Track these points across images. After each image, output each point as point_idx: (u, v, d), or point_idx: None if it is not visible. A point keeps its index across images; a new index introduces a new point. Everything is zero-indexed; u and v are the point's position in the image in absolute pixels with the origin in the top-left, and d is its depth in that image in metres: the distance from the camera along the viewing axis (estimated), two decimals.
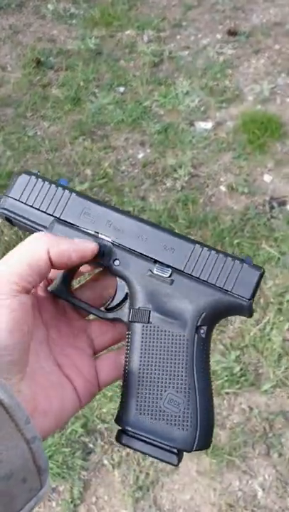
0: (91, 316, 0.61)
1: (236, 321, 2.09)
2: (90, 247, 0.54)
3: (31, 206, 0.57)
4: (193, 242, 0.56)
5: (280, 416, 1.87)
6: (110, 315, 0.57)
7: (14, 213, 0.57)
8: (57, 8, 3.66)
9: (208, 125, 2.84)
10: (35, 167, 2.67)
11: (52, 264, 0.51)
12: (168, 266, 0.55)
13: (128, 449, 1.81)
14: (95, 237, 0.56)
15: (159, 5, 3.66)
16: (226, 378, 1.93)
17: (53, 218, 0.57)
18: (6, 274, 0.48)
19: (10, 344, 0.46)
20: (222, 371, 1.94)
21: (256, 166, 2.64)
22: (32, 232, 0.56)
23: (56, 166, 2.68)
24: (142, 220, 0.57)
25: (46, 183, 0.59)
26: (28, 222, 0.57)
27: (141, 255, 0.55)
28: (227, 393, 1.91)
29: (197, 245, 0.55)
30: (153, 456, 0.53)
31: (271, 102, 2.95)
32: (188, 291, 0.54)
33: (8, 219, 0.59)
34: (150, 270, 0.55)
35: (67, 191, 0.58)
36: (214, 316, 0.55)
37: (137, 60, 3.26)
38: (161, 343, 0.53)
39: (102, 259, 0.55)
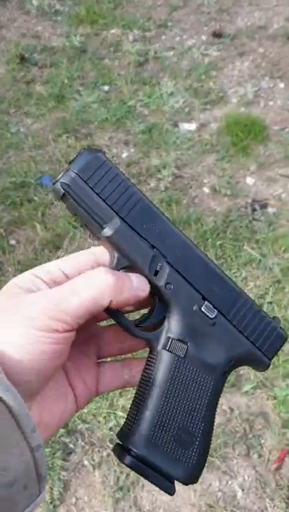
0: (102, 322, 0.59)
1: None
2: (146, 290, 0.51)
3: (98, 194, 0.50)
4: (239, 290, 0.56)
5: (260, 417, 1.89)
6: (145, 335, 0.54)
7: (76, 194, 0.50)
8: (42, 4, 3.63)
9: (192, 126, 2.85)
10: (18, 164, 2.64)
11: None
12: (215, 307, 0.54)
13: (108, 450, 1.81)
14: (155, 251, 0.52)
15: (145, 4, 3.66)
16: None
17: (118, 217, 0.50)
18: (63, 309, 0.46)
19: (41, 373, 0.45)
20: None
21: (239, 168, 2.66)
22: (87, 223, 0.51)
23: (39, 163, 2.66)
24: (200, 253, 0.55)
25: (119, 174, 0.51)
26: (90, 211, 0.50)
27: (194, 288, 0.54)
28: None
29: (242, 293, 0.56)
30: (154, 483, 0.53)
31: (255, 104, 2.98)
32: (225, 338, 0.54)
33: (64, 197, 0.50)
34: (198, 306, 0.54)
35: (138, 192, 0.52)
36: (239, 364, 0.56)
37: (121, 59, 3.26)
38: (188, 379, 0.53)
39: (156, 278, 0.52)
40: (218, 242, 2.33)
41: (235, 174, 2.64)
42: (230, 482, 1.78)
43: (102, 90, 3.06)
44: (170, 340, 0.53)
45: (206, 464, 1.83)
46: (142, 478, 1.73)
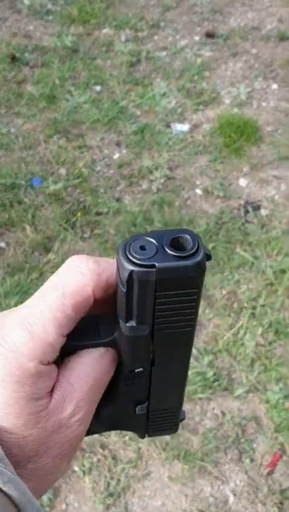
0: None
1: (210, 325, 2.08)
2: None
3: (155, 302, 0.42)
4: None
5: (252, 421, 1.87)
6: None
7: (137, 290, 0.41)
8: (33, 3, 3.59)
9: (185, 127, 2.83)
10: (8, 165, 2.61)
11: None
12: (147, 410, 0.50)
13: (99, 455, 1.78)
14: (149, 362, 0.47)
15: (137, 4, 3.64)
16: (199, 383, 1.92)
17: (149, 328, 0.42)
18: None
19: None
20: (195, 376, 1.93)
21: (232, 169, 2.65)
22: (122, 309, 0.42)
23: (30, 164, 2.63)
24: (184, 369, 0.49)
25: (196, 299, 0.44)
26: (132, 306, 0.42)
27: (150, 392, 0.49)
28: (200, 398, 1.91)
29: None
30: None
31: (248, 105, 2.96)
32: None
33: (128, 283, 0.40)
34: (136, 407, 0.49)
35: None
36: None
37: (114, 59, 3.23)
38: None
39: (128, 375, 0.47)
40: (211, 245, 2.31)
41: (228, 176, 2.62)
42: (222, 487, 1.76)
43: (94, 90, 3.03)
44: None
45: (198, 469, 1.81)
46: (132, 484, 1.71)
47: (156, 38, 3.39)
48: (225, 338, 2.04)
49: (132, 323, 0.40)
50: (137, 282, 0.36)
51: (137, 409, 0.46)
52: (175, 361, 0.44)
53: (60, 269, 0.40)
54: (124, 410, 0.47)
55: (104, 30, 3.43)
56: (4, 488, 0.32)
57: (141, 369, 0.43)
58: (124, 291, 0.37)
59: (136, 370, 0.43)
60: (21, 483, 0.34)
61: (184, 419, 0.50)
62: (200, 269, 0.37)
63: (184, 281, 0.37)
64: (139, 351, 0.42)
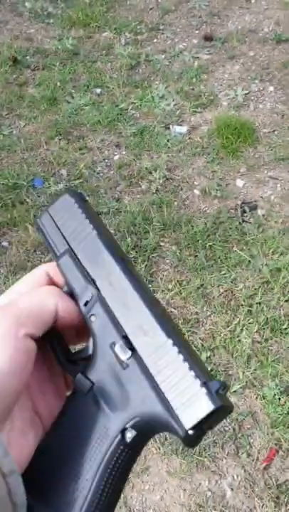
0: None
1: (207, 322, 2.12)
2: (72, 313, 0.50)
3: (58, 228, 0.55)
4: (171, 335, 0.46)
5: (249, 416, 1.91)
6: (67, 366, 0.50)
7: (44, 229, 0.56)
8: (34, 7, 3.64)
9: (183, 129, 2.87)
10: (10, 166, 2.66)
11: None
12: (131, 348, 0.46)
13: None
14: (91, 284, 0.51)
15: (137, 8, 3.68)
16: None
17: (68, 249, 0.53)
18: (14, 314, 0.44)
19: (6, 389, 0.40)
20: None
21: (229, 170, 2.69)
22: (50, 251, 0.56)
23: (31, 165, 2.67)
24: (136, 289, 0.48)
25: (80, 210, 0.55)
26: (50, 242, 0.55)
27: (115, 323, 0.48)
28: None
29: (170, 340, 0.45)
30: None
31: (245, 107, 3.00)
32: (135, 387, 0.45)
33: (39, 230, 0.57)
34: (113, 343, 0.47)
35: (91, 227, 0.53)
36: (149, 426, 0.45)
37: (113, 62, 3.28)
38: (82, 422, 0.46)
39: (84, 308, 0.49)
40: (208, 244, 2.35)
41: (225, 176, 2.66)
42: (219, 482, 1.80)
43: (94, 93, 3.07)
44: (80, 375, 0.47)
45: (196, 464, 1.85)
46: (132, 478, 1.75)
47: (155, 41, 3.44)
48: (222, 335, 2.08)
49: (58, 254, 0.54)
50: None
51: None
52: None
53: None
54: None
55: (105, 34, 3.47)
56: None
57: None
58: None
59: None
60: None
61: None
62: None
63: None
64: (71, 270, 0.54)
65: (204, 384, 0.42)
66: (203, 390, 0.42)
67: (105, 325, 0.48)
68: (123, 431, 0.44)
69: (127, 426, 0.45)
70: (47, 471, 0.45)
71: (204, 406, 0.42)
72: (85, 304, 0.50)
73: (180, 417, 0.42)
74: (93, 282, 0.51)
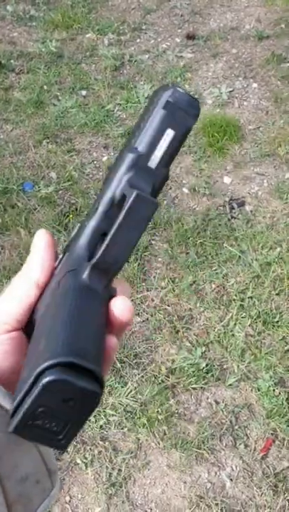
0: None
1: (201, 318, 2.16)
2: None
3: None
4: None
5: (245, 408, 1.95)
6: None
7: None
8: (16, 10, 3.65)
9: None
10: None
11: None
12: None
13: (100, 447, 1.86)
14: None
15: (119, 8, 3.70)
16: (193, 375, 2.00)
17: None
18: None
19: None
20: (189, 367, 2.01)
21: (216, 168, 2.73)
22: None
23: (20, 169, 2.69)
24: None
25: None
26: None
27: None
28: (194, 389, 1.99)
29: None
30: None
31: (229, 105, 3.05)
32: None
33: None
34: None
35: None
36: None
37: (98, 63, 3.30)
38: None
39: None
40: (199, 241, 2.39)
41: (213, 174, 2.71)
42: (218, 473, 1.84)
43: (80, 95, 3.09)
44: None
45: (195, 457, 1.89)
46: (133, 473, 1.79)
47: (138, 41, 3.46)
48: (216, 330, 2.12)
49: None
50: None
51: None
52: None
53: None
54: None
55: (88, 35, 3.49)
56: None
57: None
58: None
59: None
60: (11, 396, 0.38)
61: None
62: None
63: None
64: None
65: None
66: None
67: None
68: None
69: None
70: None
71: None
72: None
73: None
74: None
